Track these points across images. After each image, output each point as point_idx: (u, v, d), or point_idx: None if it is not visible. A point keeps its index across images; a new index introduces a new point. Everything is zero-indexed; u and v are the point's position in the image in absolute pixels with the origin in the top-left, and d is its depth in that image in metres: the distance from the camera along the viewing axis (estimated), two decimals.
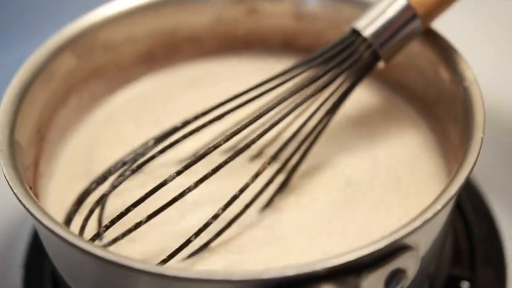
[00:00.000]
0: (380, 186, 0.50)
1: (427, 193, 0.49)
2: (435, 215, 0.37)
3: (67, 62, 0.55)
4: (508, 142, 0.63)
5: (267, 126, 0.46)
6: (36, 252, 0.57)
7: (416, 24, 0.50)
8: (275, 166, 0.49)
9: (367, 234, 0.46)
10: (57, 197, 0.51)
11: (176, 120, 0.56)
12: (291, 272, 0.33)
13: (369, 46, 0.50)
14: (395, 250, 0.36)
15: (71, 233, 0.38)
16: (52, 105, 0.54)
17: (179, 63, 0.63)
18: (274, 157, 0.47)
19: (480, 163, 0.54)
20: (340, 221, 0.47)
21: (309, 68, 0.49)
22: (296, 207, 0.48)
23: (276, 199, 0.49)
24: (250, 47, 0.64)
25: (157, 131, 0.56)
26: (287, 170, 0.49)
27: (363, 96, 0.57)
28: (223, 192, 0.49)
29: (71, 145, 0.56)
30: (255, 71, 0.62)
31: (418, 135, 0.54)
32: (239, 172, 0.50)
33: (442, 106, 0.52)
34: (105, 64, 0.59)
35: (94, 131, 0.57)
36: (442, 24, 0.52)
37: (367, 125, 0.56)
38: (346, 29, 0.51)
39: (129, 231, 0.44)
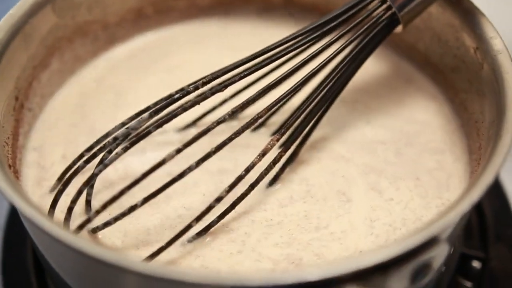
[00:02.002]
0: (393, 159, 0.46)
1: (445, 167, 0.46)
2: (471, 206, 0.33)
3: (48, 20, 0.49)
4: None
5: (277, 98, 0.42)
6: (16, 228, 0.53)
7: None
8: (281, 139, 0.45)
9: (382, 206, 0.43)
10: (38, 171, 0.46)
11: (168, 84, 0.51)
12: (313, 276, 0.29)
13: (388, 8, 0.45)
14: (425, 244, 0.33)
15: (56, 225, 0.34)
16: (31, 68, 0.49)
17: (171, 22, 0.57)
18: (282, 133, 0.42)
19: None
20: (358, 190, 0.44)
21: (321, 34, 0.44)
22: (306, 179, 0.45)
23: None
24: (249, 4, 0.58)
25: (148, 96, 0.51)
26: (296, 142, 0.45)
27: (372, 63, 0.53)
28: (226, 167, 0.45)
29: (52, 113, 0.50)
30: (252, 31, 0.57)
31: (433, 104, 0.50)
32: (242, 143, 0.45)
33: (461, 76, 0.48)
34: (90, 23, 0.53)
35: (77, 96, 0.52)
36: None
37: (377, 93, 0.51)
38: None
39: (123, 214, 0.39)
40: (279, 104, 0.41)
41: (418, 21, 0.50)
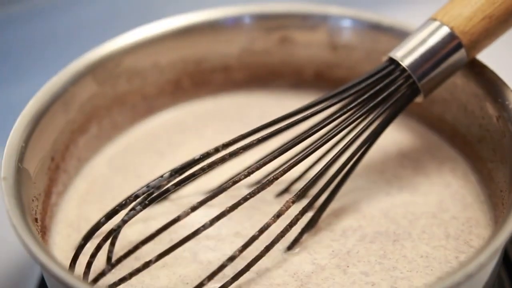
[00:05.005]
0: (418, 233, 0.45)
1: (472, 242, 0.44)
2: (479, 269, 0.32)
3: (88, 88, 0.53)
4: None
5: (293, 161, 0.43)
6: None
7: (460, 54, 0.46)
8: (302, 204, 0.45)
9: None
10: (68, 231, 0.48)
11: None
12: None
13: (408, 77, 0.46)
14: None
15: (66, 273, 0.35)
16: (69, 132, 0.52)
17: (207, 94, 0.60)
18: (299, 196, 0.43)
19: None
20: (375, 267, 0.43)
21: (341, 99, 0.45)
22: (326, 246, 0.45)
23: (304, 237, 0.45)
24: (282, 79, 0.60)
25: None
26: (315, 208, 0.45)
27: (398, 134, 0.53)
28: (245, 230, 0.46)
29: (88, 175, 0.53)
30: (286, 104, 0.59)
31: (460, 176, 0.50)
32: (265, 209, 0.47)
33: (487, 145, 0.48)
34: (129, 93, 0.56)
35: (113, 161, 0.54)
36: (486, 55, 0.48)
37: (403, 164, 0.51)
38: (383, 59, 0.47)
39: (138, 270, 0.40)
40: (292, 168, 0.42)
41: (444, 92, 0.51)
